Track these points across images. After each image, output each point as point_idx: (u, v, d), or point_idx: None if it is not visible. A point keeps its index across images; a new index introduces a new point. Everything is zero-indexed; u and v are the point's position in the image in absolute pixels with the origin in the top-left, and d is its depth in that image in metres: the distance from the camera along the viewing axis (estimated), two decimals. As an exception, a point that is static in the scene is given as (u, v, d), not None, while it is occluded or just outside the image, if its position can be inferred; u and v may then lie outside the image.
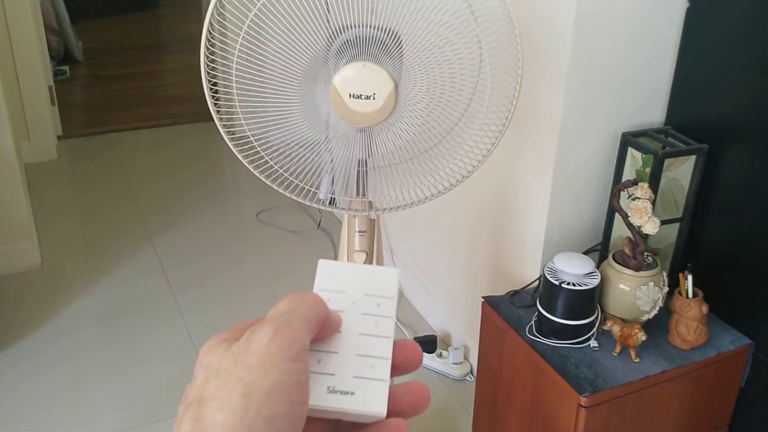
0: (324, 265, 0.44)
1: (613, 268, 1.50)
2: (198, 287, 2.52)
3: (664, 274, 1.52)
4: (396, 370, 0.41)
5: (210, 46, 1.15)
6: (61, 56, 4.51)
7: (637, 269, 1.48)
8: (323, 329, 0.40)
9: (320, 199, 1.27)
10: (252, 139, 1.21)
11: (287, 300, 0.39)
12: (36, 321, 2.32)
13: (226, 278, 2.59)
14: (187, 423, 0.35)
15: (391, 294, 0.43)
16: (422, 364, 0.43)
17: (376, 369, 0.40)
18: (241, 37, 1.12)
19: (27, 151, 3.28)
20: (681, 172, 1.57)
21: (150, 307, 2.41)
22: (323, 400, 0.39)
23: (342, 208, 1.30)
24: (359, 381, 0.40)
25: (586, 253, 1.67)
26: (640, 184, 1.48)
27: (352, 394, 0.39)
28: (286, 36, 1.12)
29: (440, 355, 2.11)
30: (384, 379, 0.40)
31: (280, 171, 1.23)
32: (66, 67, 4.47)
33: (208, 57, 1.15)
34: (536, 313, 1.53)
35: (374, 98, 1.13)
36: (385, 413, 0.39)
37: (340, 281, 0.44)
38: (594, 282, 1.47)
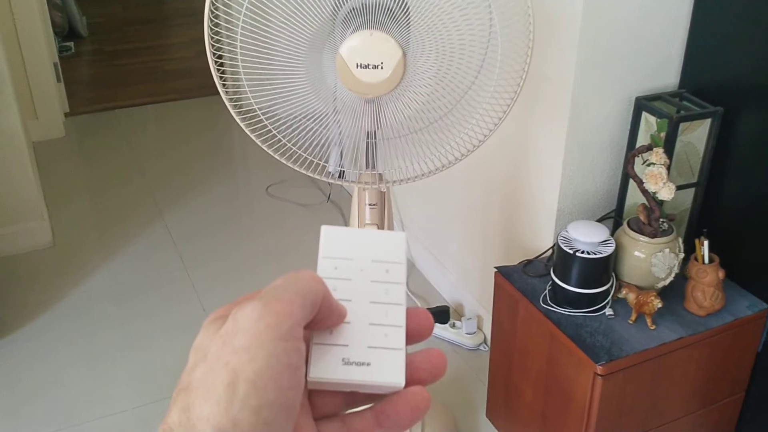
0: (328, 232, 0.42)
1: (628, 236, 1.48)
2: (211, 262, 2.52)
3: (680, 240, 1.50)
4: (408, 338, 0.40)
5: (214, 18, 1.12)
6: (65, 32, 4.48)
7: (653, 236, 1.46)
8: (325, 315, 0.37)
9: (329, 173, 1.25)
10: (259, 112, 1.19)
11: (283, 277, 0.36)
12: (49, 300, 2.33)
13: (239, 252, 2.59)
14: (176, 413, 0.33)
15: (399, 259, 0.41)
16: (435, 335, 0.41)
17: (391, 338, 0.39)
18: (244, 7, 1.09)
19: (34, 129, 3.27)
20: (696, 136, 1.54)
21: (163, 282, 2.42)
22: (339, 372, 0.37)
23: (351, 182, 1.28)
24: (374, 351, 0.38)
25: (599, 220, 1.65)
26: (654, 149, 1.45)
27: (368, 364, 0.38)
28: (291, 5, 1.09)
29: (453, 326, 2.10)
30: (400, 348, 0.38)
31: (288, 144, 1.21)
32: (71, 43, 4.44)
33: (212, 29, 1.13)
34: (550, 283, 1.52)
35: (382, 67, 1.10)
36: (403, 383, 0.38)
37: (346, 248, 0.41)
38: (608, 250, 1.45)
